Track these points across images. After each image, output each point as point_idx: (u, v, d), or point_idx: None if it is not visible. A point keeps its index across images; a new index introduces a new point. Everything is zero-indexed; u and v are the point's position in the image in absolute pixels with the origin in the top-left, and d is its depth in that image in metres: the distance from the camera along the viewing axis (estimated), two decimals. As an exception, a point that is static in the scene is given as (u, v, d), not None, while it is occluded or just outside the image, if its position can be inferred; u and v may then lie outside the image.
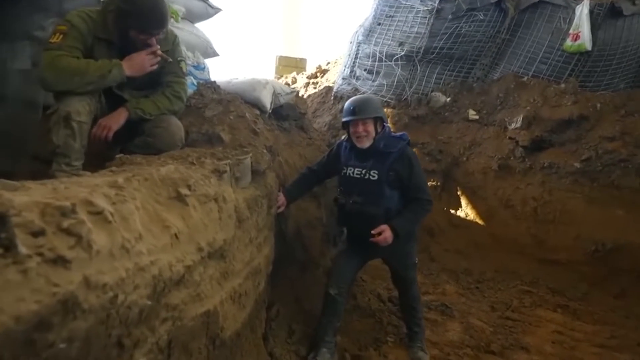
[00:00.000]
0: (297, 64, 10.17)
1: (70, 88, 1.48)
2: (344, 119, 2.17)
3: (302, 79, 7.29)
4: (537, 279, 3.69)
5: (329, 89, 6.00)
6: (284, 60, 10.32)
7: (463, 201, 4.34)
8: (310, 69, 8.31)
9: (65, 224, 0.64)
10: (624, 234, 3.55)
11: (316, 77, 7.09)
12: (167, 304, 0.90)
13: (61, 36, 1.51)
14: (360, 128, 2.07)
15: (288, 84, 6.91)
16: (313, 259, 2.77)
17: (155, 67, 1.64)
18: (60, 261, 0.61)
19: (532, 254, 3.89)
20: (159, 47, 1.66)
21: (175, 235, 0.96)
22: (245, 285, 1.50)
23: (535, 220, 3.93)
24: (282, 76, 8.74)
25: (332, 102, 5.54)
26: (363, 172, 2.09)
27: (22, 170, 2.53)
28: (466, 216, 4.27)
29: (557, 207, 3.87)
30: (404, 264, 2.26)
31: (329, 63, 7.47)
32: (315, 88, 6.49)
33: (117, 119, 1.63)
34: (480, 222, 4.18)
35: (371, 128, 2.07)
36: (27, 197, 0.67)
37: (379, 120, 2.11)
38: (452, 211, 4.34)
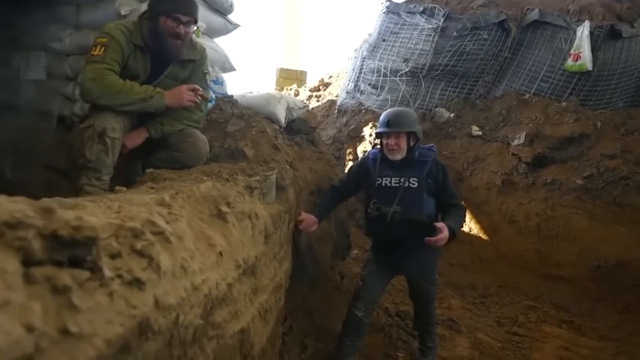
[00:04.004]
0: (297, 77, 10.30)
1: (111, 104, 1.52)
2: (377, 130, 2.19)
3: (304, 92, 7.37)
4: (541, 295, 3.71)
5: (332, 102, 6.08)
6: (284, 73, 10.44)
7: (467, 216, 4.38)
8: (310, 81, 8.41)
9: (139, 245, 0.65)
10: (626, 250, 3.60)
11: (319, 90, 7.18)
12: (213, 323, 0.91)
13: (102, 49, 1.54)
14: (393, 141, 2.06)
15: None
16: (324, 273, 2.76)
17: (191, 104, 1.68)
18: (135, 283, 0.62)
19: (536, 270, 3.92)
20: (200, 89, 1.71)
21: (220, 253, 0.97)
22: (270, 300, 1.51)
23: (538, 236, 3.98)
24: (282, 88, 8.82)
25: (335, 115, 5.60)
26: (402, 180, 2.06)
27: (36, 180, 2.54)
28: (470, 231, 4.31)
29: (560, 223, 3.92)
30: (429, 279, 2.24)
31: (331, 76, 7.57)
32: (318, 101, 6.56)
33: (134, 139, 1.67)
34: (484, 237, 4.22)
35: (403, 143, 2.06)
36: (96, 218, 0.68)
37: (413, 135, 2.11)
38: (456, 225, 4.38)
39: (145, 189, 1.12)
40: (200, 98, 1.73)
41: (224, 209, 1.08)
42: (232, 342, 1.06)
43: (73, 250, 0.53)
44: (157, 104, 1.62)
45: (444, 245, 2.05)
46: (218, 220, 1.06)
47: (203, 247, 0.94)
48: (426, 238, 1.92)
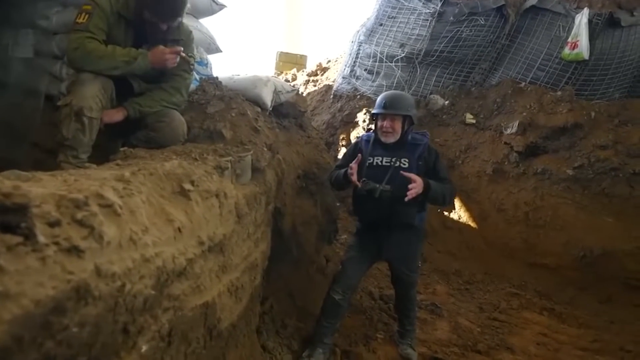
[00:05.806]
0: (297, 61, 10.17)
1: (97, 69, 1.55)
2: (373, 111, 2.20)
3: (302, 77, 7.31)
4: (525, 282, 3.77)
5: (328, 87, 6.04)
6: (284, 57, 10.31)
7: (457, 204, 4.40)
8: (311, 66, 8.33)
9: (79, 215, 0.67)
10: (612, 241, 3.63)
11: (316, 75, 7.12)
12: (169, 295, 0.94)
13: (87, 16, 1.55)
14: (388, 123, 2.07)
15: (288, 81, 6.93)
16: (308, 256, 2.81)
17: (174, 64, 1.69)
18: (74, 250, 0.64)
19: (522, 258, 3.97)
20: (182, 48, 1.71)
21: (179, 228, 1.00)
22: (242, 279, 1.54)
23: (526, 225, 4.01)
24: (282, 72, 8.74)
25: (331, 100, 5.58)
26: (393, 160, 2.08)
27: (24, 159, 2.56)
28: (459, 218, 4.34)
29: (548, 213, 3.95)
30: (411, 266, 2.26)
31: (329, 61, 7.50)
32: (315, 86, 6.52)
33: (111, 115, 1.68)
34: (472, 224, 4.25)
35: (398, 126, 2.08)
36: (42, 189, 0.71)
37: (408, 119, 2.11)
38: (446, 213, 4.41)
39: (111, 165, 1.14)
40: (184, 60, 1.74)
41: (187, 186, 1.10)
42: (194, 315, 1.10)
43: (5, 217, 0.56)
44: (142, 65, 1.64)
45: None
46: (180, 197, 1.09)
47: (160, 222, 0.97)
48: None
